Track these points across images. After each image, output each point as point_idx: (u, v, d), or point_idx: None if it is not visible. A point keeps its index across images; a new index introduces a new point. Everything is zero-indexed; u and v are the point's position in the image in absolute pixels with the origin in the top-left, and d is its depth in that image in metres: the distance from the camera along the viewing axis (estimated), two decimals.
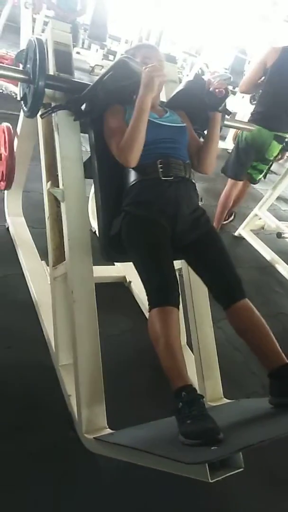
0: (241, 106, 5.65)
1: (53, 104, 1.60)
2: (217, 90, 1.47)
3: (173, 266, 1.37)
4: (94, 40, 6.96)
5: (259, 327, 1.34)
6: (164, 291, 1.29)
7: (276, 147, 2.82)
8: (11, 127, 2.19)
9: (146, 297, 1.62)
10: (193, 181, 1.56)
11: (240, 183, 3.14)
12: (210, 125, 1.59)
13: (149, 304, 1.30)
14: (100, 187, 1.60)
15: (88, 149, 1.65)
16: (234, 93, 6.41)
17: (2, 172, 2.24)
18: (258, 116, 2.80)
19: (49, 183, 1.65)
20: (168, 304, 1.26)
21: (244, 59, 7.13)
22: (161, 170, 1.46)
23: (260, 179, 3.12)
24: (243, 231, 3.53)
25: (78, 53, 7.44)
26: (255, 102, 5.43)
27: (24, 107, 1.67)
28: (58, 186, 1.60)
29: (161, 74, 1.38)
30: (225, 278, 1.41)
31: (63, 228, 1.57)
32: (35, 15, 5.33)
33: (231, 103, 5.97)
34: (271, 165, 3.02)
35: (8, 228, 2.49)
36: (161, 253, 1.37)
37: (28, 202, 2.70)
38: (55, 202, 1.66)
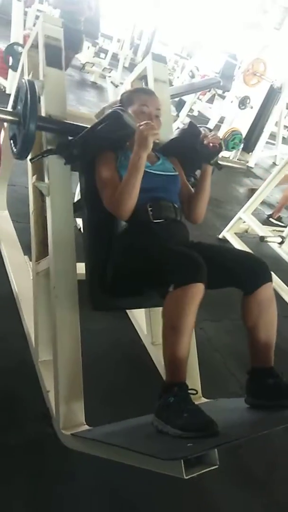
0: (229, 111, 5.71)
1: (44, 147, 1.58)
2: (211, 144, 1.46)
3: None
4: (86, 37, 6.92)
5: (272, 324, 1.32)
6: (192, 264, 1.17)
7: None
8: None
9: None
10: (184, 223, 1.55)
11: None
12: (201, 177, 1.58)
13: (171, 282, 1.17)
14: (89, 234, 1.55)
15: None
16: (223, 97, 6.48)
17: None
18: None
19: (34, 176, 1.64)
20: (199, 280, 1.14)
21: (235, 64, 7.19)
22: (151, 213, 1.44)
23: None
24: (227, 233, 3.57)
25: None
26: (243, 107, 5.51)
27: (14, 148, 1.62)
28: (43, 180, 1.59)
29: (156, 132, 1.34)
30: (250, 259, 1.36)
31: (47, 222, 1.56)
32: (26, 9, 5.29)
33: (220, 107, 6.04)
34: None
35: None
36: (172, 244, 1.34)
37: (13, 196, 2.67)
38: (40, 197, 1.65)
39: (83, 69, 6.98)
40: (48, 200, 1.56)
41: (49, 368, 1.52)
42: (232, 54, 7.48)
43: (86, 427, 1.38)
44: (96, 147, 1.49)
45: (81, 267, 1.55)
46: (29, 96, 1.45)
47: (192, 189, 1.66)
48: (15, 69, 3.55)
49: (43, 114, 1.60)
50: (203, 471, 0.92)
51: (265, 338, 1.31)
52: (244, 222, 3.54)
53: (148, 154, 1.40)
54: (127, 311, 2.17)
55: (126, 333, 2.07)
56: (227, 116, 5.63)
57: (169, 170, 1.58)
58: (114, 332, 2.06)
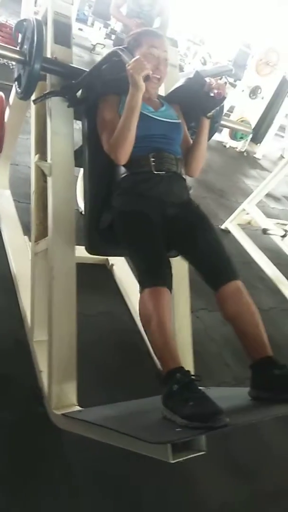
0: (239, 100, 5.64)
1: (48, 89, 1.55)
2: (215, 91, 1.41)
3: (166, 253, 1.36)
4: (98, 18, 6.80)
5: (250, 312, 1.29)
6: (159, 272, 1.27)
7: None
8: (3, 96, 2.14)
9: (126, 280, 1.60)
10: (184, 176, 1.54)
11: None
12: (197, 131, 1.56)
13: (141, 285, 1.27)
14: (90, 178, 1.56)
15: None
16: (234, 86, 6.38)
17: None
18: None
19: (37, 156, 1.62)
20: (163, 285, 1.24)
21: (248, 53, 7.06)
22: (153, 164, 1.44)
23: None
24: (230, 224, 3.55)
25: (80, 29, 7.27)
26: (254, 97, 5.42)
27: (18, 88, 1.61)
28: (46, 160, 1.57)
29: (144, 69, 1.30)
30: (218, 258, 1.37)
31: (48, 203, 1.55)
32: None
33: (231, 96, 5.95)
34: None
35: None
36: (155, 239, 1.36)
37: (16, 176, 2.65)
38: (42, 177, 1.63)
39: (94, 50, 6.87)
40: (49, 181, 1.54)
41: (44, 348, 1.53)
42: (246, 43, 7.34)
43: (78, 408, 1.39)
44: (101, 88, 1.48)
45: (80, 250, 1.54)
46: (36, 34, 1.43)
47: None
48: None
49: (48, 55, 1.57)
50: (190, 456, 0.92)
51: (249, 329, 1.27)
52: (248, 213, 3.52)
53: (151, 100, 1.46)
54: (124, 296, 2.18)
55: (122, 318, 2.07)
56: (237, 106, 5.56)
57: (172, 117, 1.56)
58: (110, 317, 2.06)
